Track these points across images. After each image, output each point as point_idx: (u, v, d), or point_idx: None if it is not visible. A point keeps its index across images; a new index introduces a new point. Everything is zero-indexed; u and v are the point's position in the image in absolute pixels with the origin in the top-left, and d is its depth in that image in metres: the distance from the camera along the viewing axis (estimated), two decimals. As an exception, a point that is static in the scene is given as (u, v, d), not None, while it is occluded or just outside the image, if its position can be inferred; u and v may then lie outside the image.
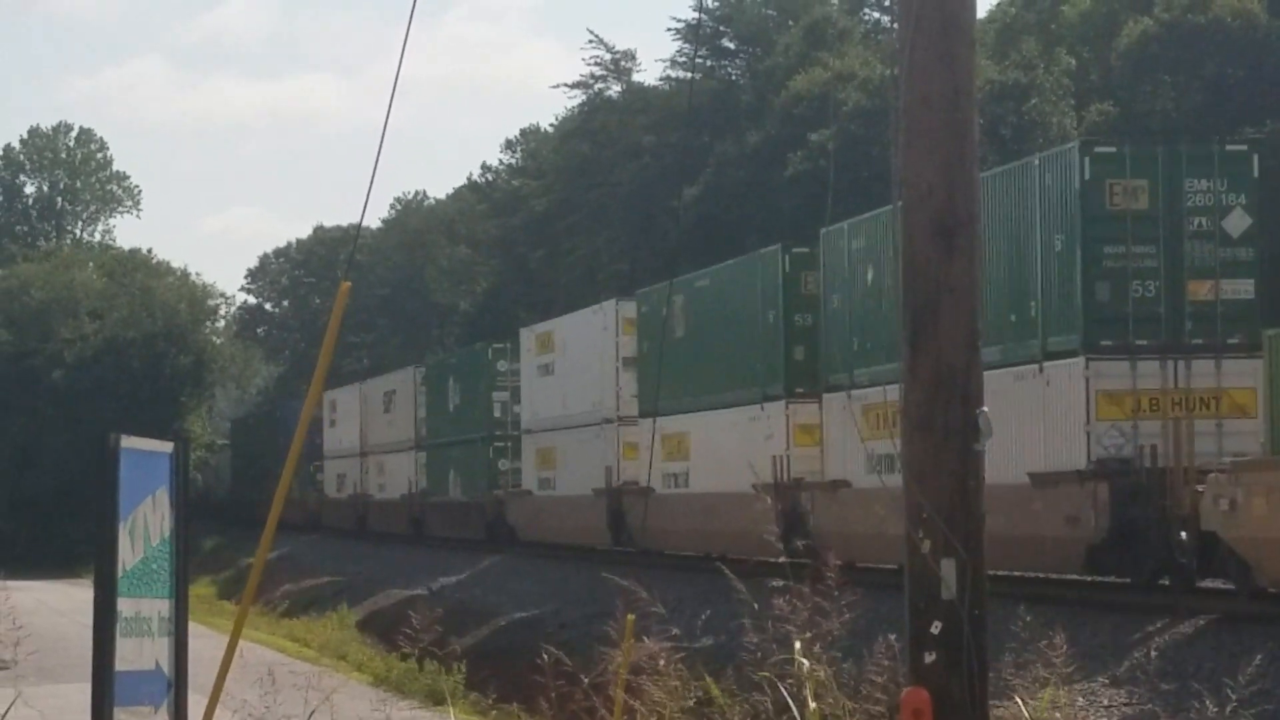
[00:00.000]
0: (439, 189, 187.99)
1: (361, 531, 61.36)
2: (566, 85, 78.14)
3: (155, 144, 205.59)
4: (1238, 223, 23.14)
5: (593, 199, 70.71)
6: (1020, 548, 23.09)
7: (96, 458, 9.89)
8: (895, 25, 9.56)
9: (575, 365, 40.63)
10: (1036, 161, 24.23)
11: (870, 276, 27.57)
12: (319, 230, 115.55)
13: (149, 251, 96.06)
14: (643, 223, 65.61)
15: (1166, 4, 53.95)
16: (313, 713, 13.51)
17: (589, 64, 74.54)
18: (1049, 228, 23.37)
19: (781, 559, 12.15)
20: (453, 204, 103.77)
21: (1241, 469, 20.01)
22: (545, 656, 13.34)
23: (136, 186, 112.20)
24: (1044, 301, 23.43)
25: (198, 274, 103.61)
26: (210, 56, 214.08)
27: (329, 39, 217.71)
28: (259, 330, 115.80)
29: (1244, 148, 23.94)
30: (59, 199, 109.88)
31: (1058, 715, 11.41)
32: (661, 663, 12.53)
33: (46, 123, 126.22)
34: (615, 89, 74.53)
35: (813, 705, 11.46)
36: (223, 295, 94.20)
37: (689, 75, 70.12)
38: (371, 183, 11.45)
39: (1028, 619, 11.84)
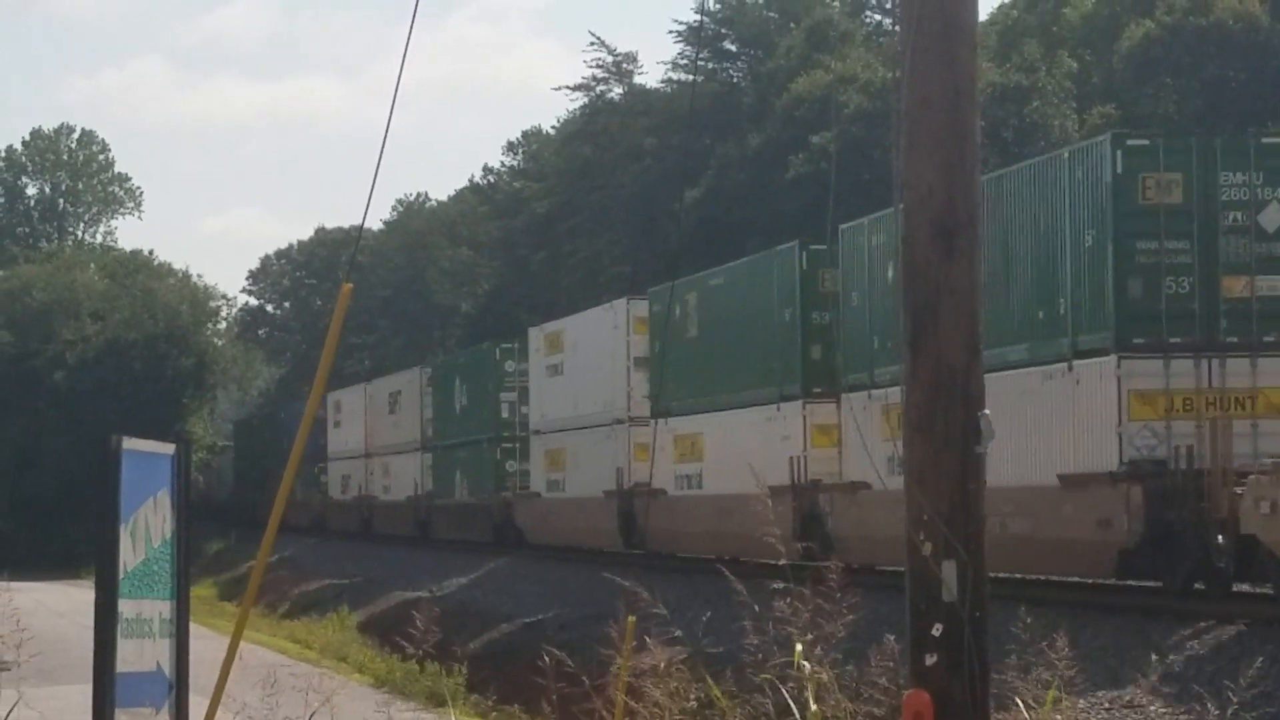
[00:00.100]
0: (441, 190, 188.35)
1: (366, 534, 60.92)
2: (568, 87, 78.32)
3: (156, 145, 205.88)
4: (1274, 217, 22.38)
5: (594, 201, 70.74)
6: (1049, 551, 22.66)
7: (98, 459, 9.89)
8: (896, 27, 9.57)
9: (585, 365, 40.07)
10: (1066, 155, 23.50)
11: (891, 273, 26.77)
12: (320, 232, 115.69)
13: (150, 253, 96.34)
14: (644, 225, 65.63)
15: (1168, 6, 54.00)
16: (313, 714, 13.51)
17: (591, 66, 74.69)
18: (1079, 223, 22.60)
19: (781, 562, 12.12)
20: (454, 205, 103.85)
21: (1284, 470, 19.42)
22: (546, 658, 13.33)
23: (138, 188, 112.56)
24: (1073, 298, 22.71)
25: (199, 275, 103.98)
26: (211, 57, 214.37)
27: (330, 40, 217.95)
28: (260, 332, 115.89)
29: None
30: (60, 200, 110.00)
31: (1058, 718, 11.41)
32: (662, 665, 12.53)
33: (47, 124, 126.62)
34: (617, 91, 74.60)
35: (814, 707, 11.46)
36: (224, 297, 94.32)
37: (690, 77, 70.18)
38: (373, 184, 11.46)
39: (1028, 620, 11.83)
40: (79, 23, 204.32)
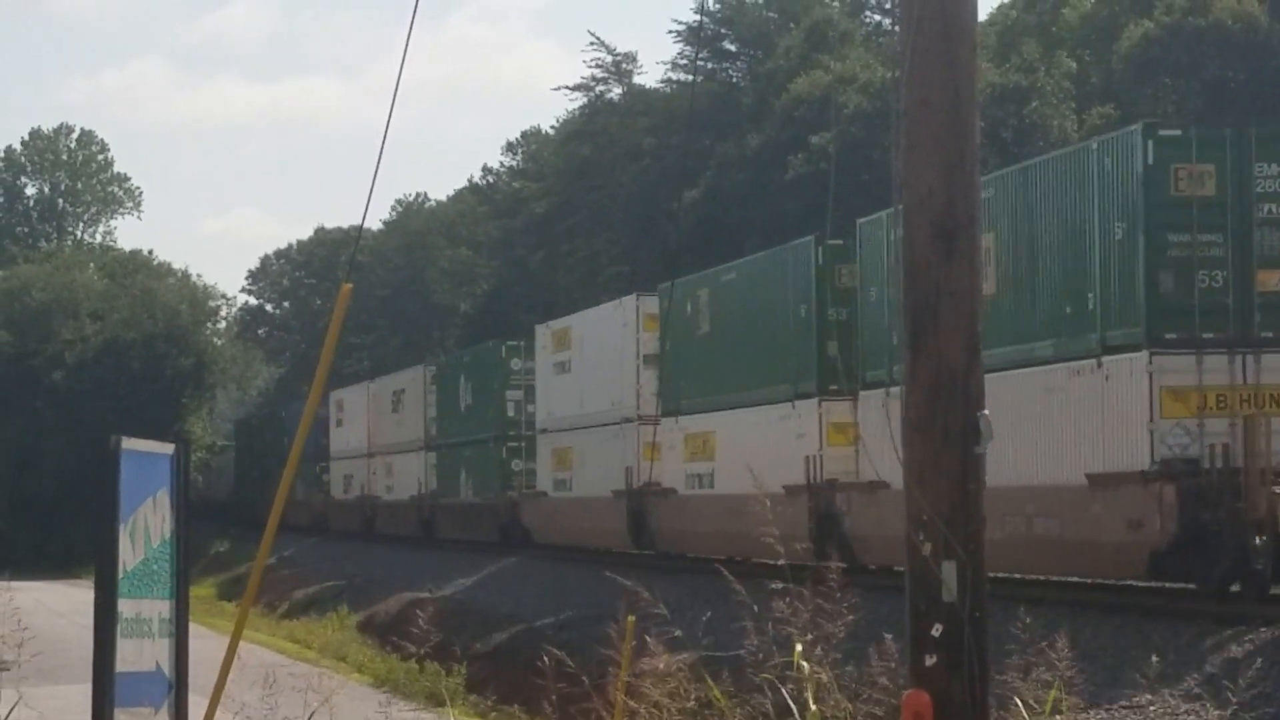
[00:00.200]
0: (440, 191, 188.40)
1: (369, 534, 60.50)
2: (568, 87, 78.38)
3: (156, 145, 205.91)
4: None
5: (593, 201, 70.74)
6: (1076, 552, 22.17)
7: (97, 459, 9.90)
8: (896, 28, 9.57)
9: (593, 363, 39.49)
10: (1095, 146, 22.77)
11: None
12: (320, 231, 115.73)
13: (150, 253, 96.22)
14: (643, 225, 65.63)
15: (1167, 6, 53.99)
16: (313, 714, 13.51)
17: (590, 66, 74.69)
18: (1108, 215, 21.91)
19: (780, 561, 12.12)
20: (453, 205, 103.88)
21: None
22: (546, 659, 13.34)
23: (137, 188, 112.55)
24: (1103, 293, 22.03)
25: (198, 275, 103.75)
26: (211, 58, 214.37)
27: (330, 40, 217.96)
28: (260, 331, 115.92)
29: None
30: (60, 200, 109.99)
31: (1058, 718, 11.41)
32: (662, 665, 12.53)
33: (47, 124, 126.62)
34: (616, 91, 74.60)
35: (814, 707, 11.47)
36: (223, 296, 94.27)
37: (690, 78, 70.18)
38: (373, 184, 11.46)
39: (1028, 621, 11.83)
40: (79, 23, 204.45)
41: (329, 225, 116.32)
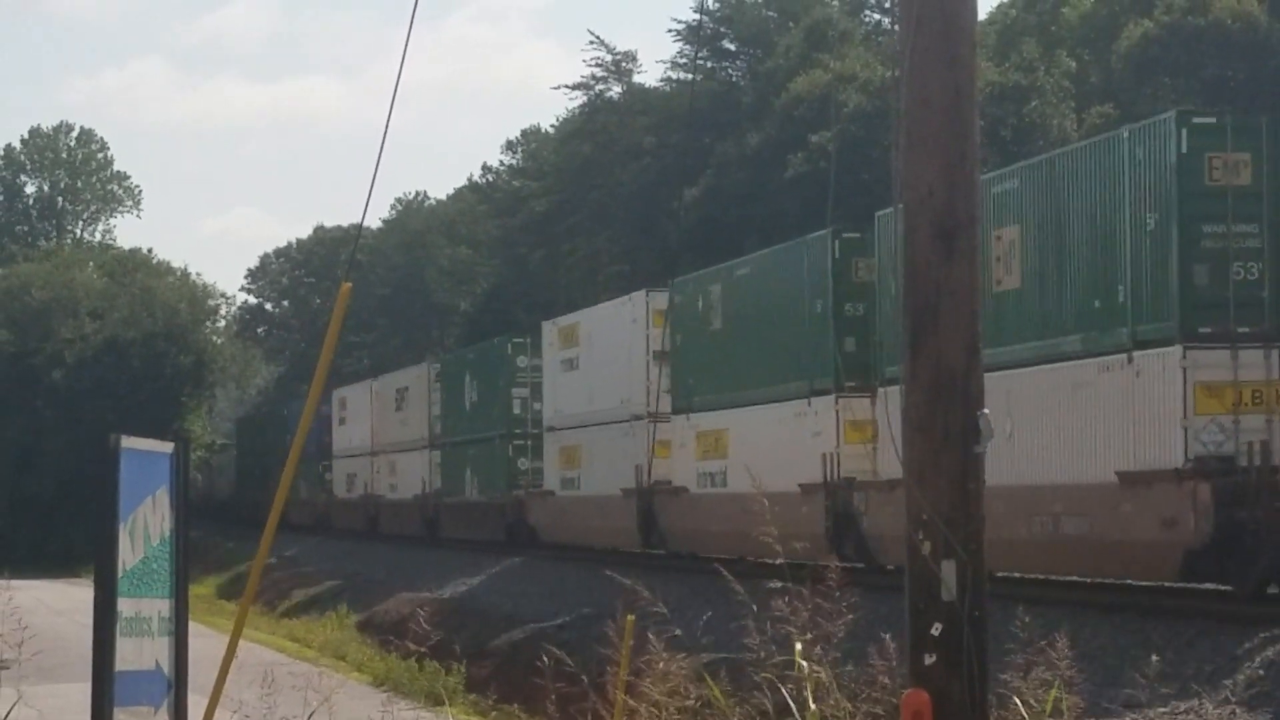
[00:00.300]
0: (440, 189, 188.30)
1: (372, 533, 60.13)
2: (567, 86, 78.16)
3: (156, 144, 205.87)
4: None
5: (593, 200, 70.74)
6: (1105, 552, 21.63)
7: (97, 458, 9.89)
8: (896, 27, 9.56)
9: (602, 359, 38.86)
10: (1125, 134, 21.98)
11: None
12: (319, 230, 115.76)
13: (149, 251, 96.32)
14: (643, 224, 65.63)
15: (1167, 6, 54.03)
16: (312, 714, 13.51)
17: (590, 65, 74.63)
18: (1140, 206, 21.18)
19: (779, 561, 12.12)
20: (453, 204, 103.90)
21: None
22: (546, 658, 13.34)
23: (137, 187, 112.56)
24: (1134, 286, 21.32)
25: (198, 274, 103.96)
26: (211, 58, 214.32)
27: (330, 40, 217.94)
28: (259, 330, 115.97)
29: None
30: (59, 199, 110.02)
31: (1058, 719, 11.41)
32: (662, 664, 12.53)
33: (47, 123, 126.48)
34: (616, 90, 74.58)
35: (813, 707, 11.47)
36: (223, 295, 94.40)
37: (690, 76, 70.18)
38: (373, 183, 11.47)
39: (1026, 620, 11.83)
40: (79, 23, 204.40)
41: (329, 224, 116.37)
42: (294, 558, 57.72)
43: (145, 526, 10.18)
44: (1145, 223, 21.17)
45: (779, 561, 12.14)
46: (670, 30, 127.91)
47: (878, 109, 53.28)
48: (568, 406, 41.26)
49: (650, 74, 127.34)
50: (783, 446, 29.43)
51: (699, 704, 12.72)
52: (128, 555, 9.94)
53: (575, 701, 14.05)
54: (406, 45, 10.86)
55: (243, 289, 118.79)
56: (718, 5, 71.57)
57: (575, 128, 76.42)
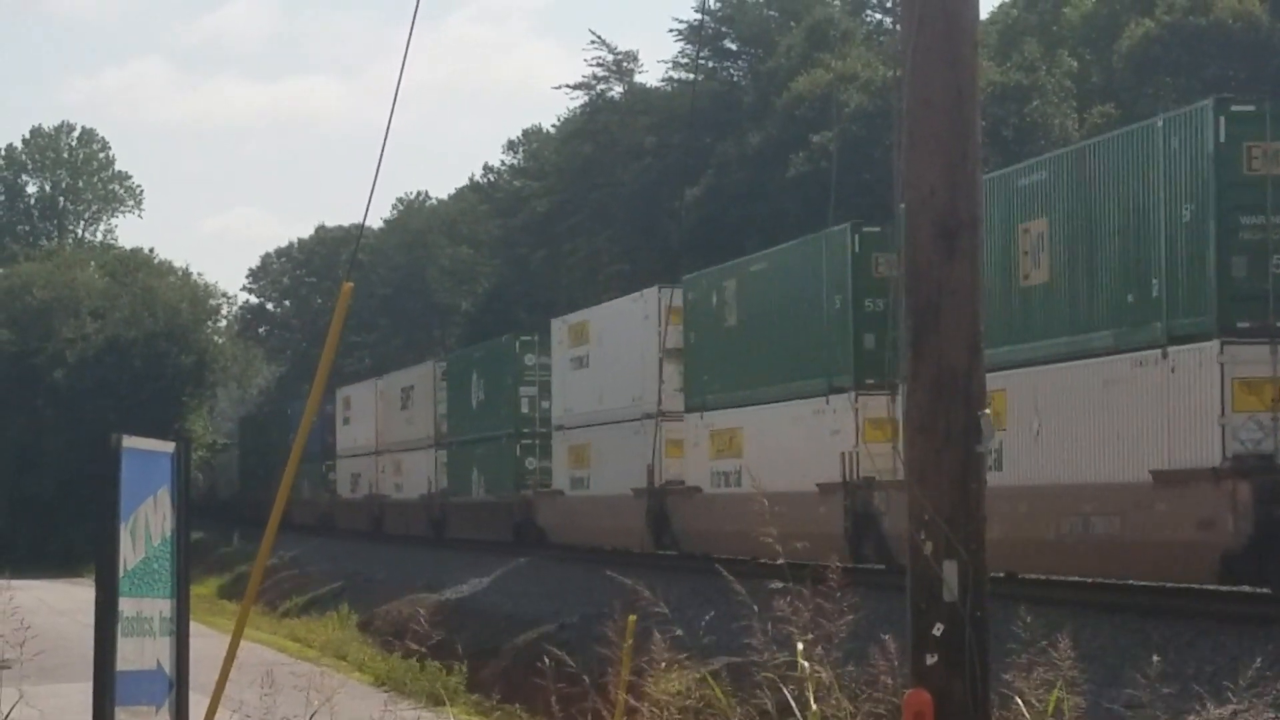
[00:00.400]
0: (441, 189, 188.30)
1: (377, 533, 59.81)
2: (569, 86, 78.18)
3: (157, 144, 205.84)
4: None
5: (594, 200, 70.75)
6: (1139, 554, 21.13)
7: (98, 458, 9.89)
8: (898, 27, 9.56)
9: (613, 357, 38.26)
10: (1160, 123, 21.33)
11: None
12: (321, 230, 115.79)
13: (151, 251, 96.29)
14: (644, 223, 65.63)
15: (1168, 5, 54.04)
16: (314, 714, 13.50)
17: (591, 65, 74.63)
18: (1175, 197, 20.56)
19: (780, 561, 12.11)
20: (454, 204, 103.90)
21: None
22: (547, 659, 13.34)
23: (138, 186, 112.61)
24: (1169, 279, 20.70)
25: (199, 274, 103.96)
26: (211, 58, 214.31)
27: (330, 40, 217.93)
28: (260, 330, 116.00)
29: None
30: (61, 199, 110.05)
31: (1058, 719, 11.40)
32: (663, 664, 12.53)
33: (48, 123, 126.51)
34: (617, 90, 74.58)
35: (814, 706, 11.46)
36: (224, 295, 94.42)
37: (691, 76, 70.13)
38: (374, 183, 11.47)
39: (1028, 620, 11.81)
40: (79, 23, 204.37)
41: (330, 224, 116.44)
42: (297, 558, 57.64)
43: (146, 526, 10.19)
44: (1181, 214, 20.58)
45: (791, 563, 12.12)
46: (671, 30, 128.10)
47: (879, 109, 53.28)
48: (577, 405, 40.77)
49: (651, 74, 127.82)
50: (800, 445, 28.93)
51: (700, 704, 12.71)
52: (129, 555, 9.95)
53: (577, 701, 14.05)
54: (407, 45, 10.86)
55: (244, 289, 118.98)
56: (719, 5, 71.57)
57: (576, 128, 76.43)
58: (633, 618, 12.66)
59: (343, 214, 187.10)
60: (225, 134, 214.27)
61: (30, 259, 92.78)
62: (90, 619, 9.84)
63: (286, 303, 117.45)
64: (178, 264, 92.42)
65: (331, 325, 11.40)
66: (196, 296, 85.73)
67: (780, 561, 12.14)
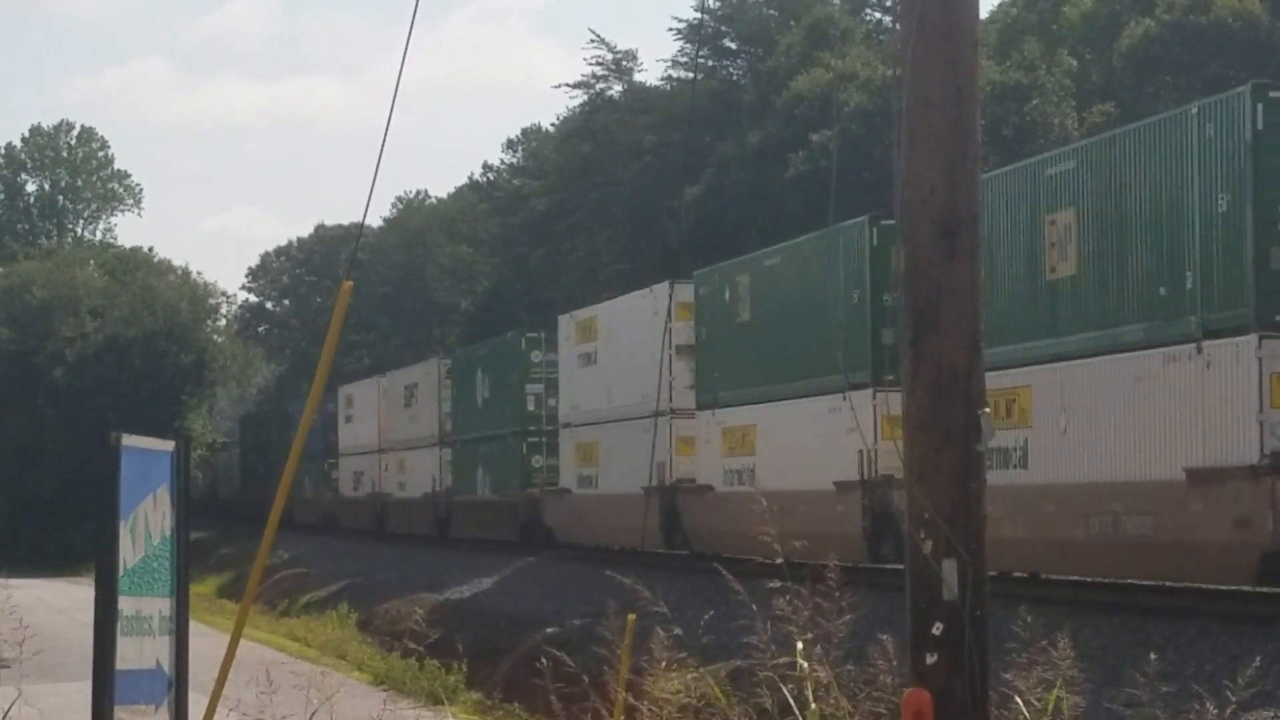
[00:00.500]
0: (440, 188, 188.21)
1: (380, 532, 59.47)
2: (568, 85, 78.17)
3: (156, 144, 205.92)
4: None
5: (594, 199, 70.73)
6: (1172, 554, 20.58)
7: (98, 456, 9.90)
8: (897, 26, 9.56)
9: (622, 354, 37.79)
10: (1194, 110, 20.59)
11: None
12: (320, 229, 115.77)
13: (150, 250, 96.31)
14: (644, 222, 65.62)
15: (1168, 5, 54.03)
16: (314, 714, 13.51)
17: (590, 64, 74.58)
18: (1210, 187, 19.94)
19: (779, 560, 12.11)
20: (454, 203, 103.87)
21: None
22: (545, 659, 13.34)
23: (138, 185, 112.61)
24: (1203, 272, 20.11)
25: (199, 273, 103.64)
26: (211, 57, 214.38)
27: (330, 40, 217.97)
28: (260, 329, 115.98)
29: None
30: (60, 197, 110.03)
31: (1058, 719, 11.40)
32: (663, 664, 12.54)
33: (48, 122, 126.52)
34: (617, 89, 74.56)
35: (813, 706, 11.47)
36: (224, 294, 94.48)
37: (690, 75, 70.08)
38: (374, 182, 11.45)
39: (1028, 619, 11.81)
40: (79, 23, 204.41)
41: (329, 223, 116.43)
42: (297, 557, 57.58)
43: (146, 525, 10.19)
44: (1216, 204, 20.01)
45: (804, 562, 12.11)
46: (671, 29, 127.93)
47: (879, 108, 53.27)
48: (585, 402, 40.30)
49: (651, 73, 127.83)
50: (816, 443, 28.43)
51: (700, 703, 12.72)
52: (128, 554, 9.95)
53: (577, 700, 14.05)
54: (407, 45, 10.85)
55: (243, 288, 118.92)
56: (718, 4, 71.55)
57: (576, 126, 76.41)
58: (632, 616, 12.66)
59: (342, 213, 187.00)
60: (225, 134, 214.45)
61: (30, 258, 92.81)
62: (89, 618, 9.84)
63: (286, 302, 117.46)
64: (177, 263, 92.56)
65: (331, 324, 11.39)
66: (196, 295, 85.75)
67: (779, 561, 12.14)
